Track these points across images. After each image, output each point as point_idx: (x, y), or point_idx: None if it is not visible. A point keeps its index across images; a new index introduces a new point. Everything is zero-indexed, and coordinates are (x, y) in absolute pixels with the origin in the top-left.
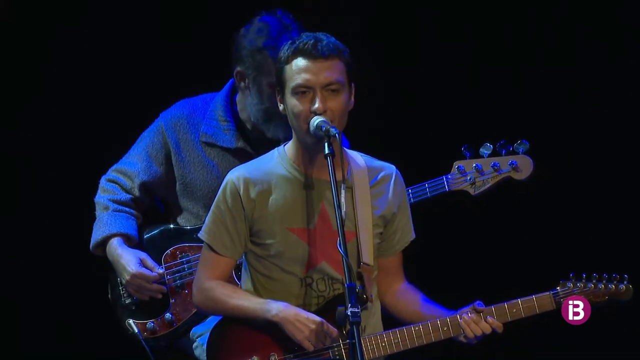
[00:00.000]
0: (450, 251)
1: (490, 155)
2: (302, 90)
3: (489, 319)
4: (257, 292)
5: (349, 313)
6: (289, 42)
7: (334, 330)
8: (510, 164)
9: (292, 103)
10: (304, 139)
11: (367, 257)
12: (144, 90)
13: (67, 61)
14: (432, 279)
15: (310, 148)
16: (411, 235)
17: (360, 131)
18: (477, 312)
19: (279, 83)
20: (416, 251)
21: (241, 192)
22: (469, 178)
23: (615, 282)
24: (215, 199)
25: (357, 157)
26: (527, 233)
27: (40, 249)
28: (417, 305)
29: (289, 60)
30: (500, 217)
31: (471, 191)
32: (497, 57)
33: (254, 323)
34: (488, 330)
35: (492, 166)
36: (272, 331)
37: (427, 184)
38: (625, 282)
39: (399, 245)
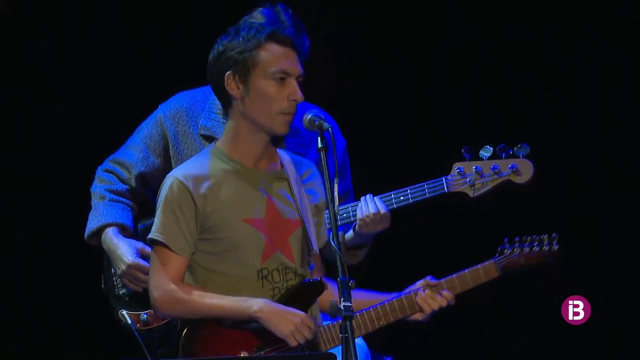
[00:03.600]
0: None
1: (490, 158)
2: (282, 77)
3: (444, 292)
4: (208, 291)
5: (341, 307)
6: (258, 25)
7: (315, 324)
8: (510, 167)
9: (267, 87)
10: (269, 124)
11: (315, 244)
12: (143, 82)
13: (65, 54)
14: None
15: (255, 138)
16: (327, 234)
17: (361, 131)
18: (431, 286)
19: (242, 65)
20: None
21: (191, 189)
22: (468, 180)
23: (546, 243)
24: (162, 200)
25: (283, 152)
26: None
27: (34, 238)
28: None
29: (262, 44)
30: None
31: (470, 193)
32: (501, 59)
33: (227, 322)
34: (444, 303)
35: (492, 169)
36: (243, 329)
37: (426, 184)
38: (555, 242)
39: (321, 240)
